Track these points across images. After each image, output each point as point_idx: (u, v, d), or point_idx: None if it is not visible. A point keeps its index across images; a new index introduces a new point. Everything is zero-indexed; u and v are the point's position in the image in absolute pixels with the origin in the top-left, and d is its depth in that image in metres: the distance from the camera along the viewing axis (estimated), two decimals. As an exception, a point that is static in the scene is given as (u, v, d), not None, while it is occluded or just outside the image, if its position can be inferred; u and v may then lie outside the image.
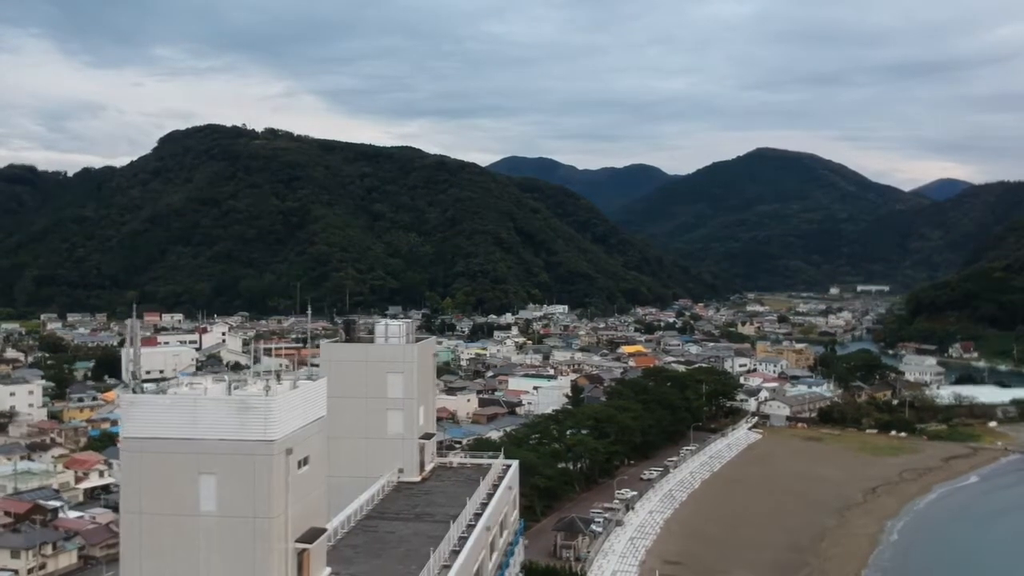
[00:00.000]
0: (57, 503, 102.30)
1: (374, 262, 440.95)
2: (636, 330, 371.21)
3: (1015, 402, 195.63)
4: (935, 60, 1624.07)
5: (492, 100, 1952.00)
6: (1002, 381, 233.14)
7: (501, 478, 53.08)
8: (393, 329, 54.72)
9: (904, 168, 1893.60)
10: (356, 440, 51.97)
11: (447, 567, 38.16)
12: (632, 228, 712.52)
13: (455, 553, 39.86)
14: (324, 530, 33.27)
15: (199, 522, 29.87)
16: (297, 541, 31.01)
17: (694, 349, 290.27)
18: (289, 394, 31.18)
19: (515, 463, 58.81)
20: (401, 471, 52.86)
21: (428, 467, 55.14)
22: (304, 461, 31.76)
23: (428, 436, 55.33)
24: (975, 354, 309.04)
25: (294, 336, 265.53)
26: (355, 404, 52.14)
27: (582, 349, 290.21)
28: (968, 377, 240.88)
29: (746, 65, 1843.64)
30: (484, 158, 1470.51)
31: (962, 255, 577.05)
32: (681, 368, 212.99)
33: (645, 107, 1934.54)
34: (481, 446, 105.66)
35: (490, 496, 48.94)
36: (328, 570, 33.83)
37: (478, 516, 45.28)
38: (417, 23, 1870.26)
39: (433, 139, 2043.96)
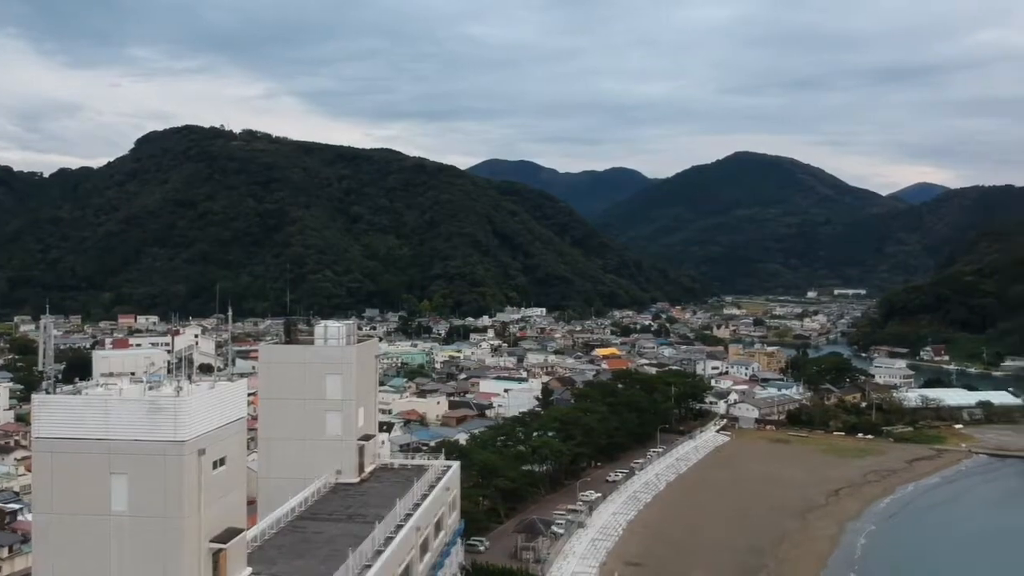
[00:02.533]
0: (17, 505, 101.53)
1: (351, 264, 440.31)
2: (612, 333, 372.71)
3: (981, 405, 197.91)
4: (914, 65, 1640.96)
5: (473, 103, 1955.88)
6: (971, 384, 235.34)
7: (439, 479, 53.26)
8: (332, 331, 54.84)
9: (882, 172, 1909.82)
10: (294, 442, 52.10)
11: (368, 567, 38.30)
12: (612, 231, 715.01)
13: (379, 553, 40.01)
14: (241, 530, 33.38)
15: (111, 522, 29.98)
16: (212, 541, 31.13)
17: (668, 352, 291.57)
18: (203, 395, 31.34)
19: (455, 465, 58.99)
20: (339, 473, 52.94)
21: (368, 469, 55.23)
22: (220, 462, 31.91)
23: (367, 438, 55.44)
24: (946, 357, 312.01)
25: (270, 339, 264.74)
26: (294, 406, 52.30)
27: (557, 352, 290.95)
28: (937, 380, 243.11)
29: (726, 69, 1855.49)
30: (466, 161, 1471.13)
31: (937, 259, 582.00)
32: (652, 371, 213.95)
33: (626, 110, 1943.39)
34: (447, 449, 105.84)
35: (424, 497, 49.11)
36: (248, 570, 33.96)
37: (409, 516, 45.45)
38: (397, 25, 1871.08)
39: (414, 141, 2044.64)
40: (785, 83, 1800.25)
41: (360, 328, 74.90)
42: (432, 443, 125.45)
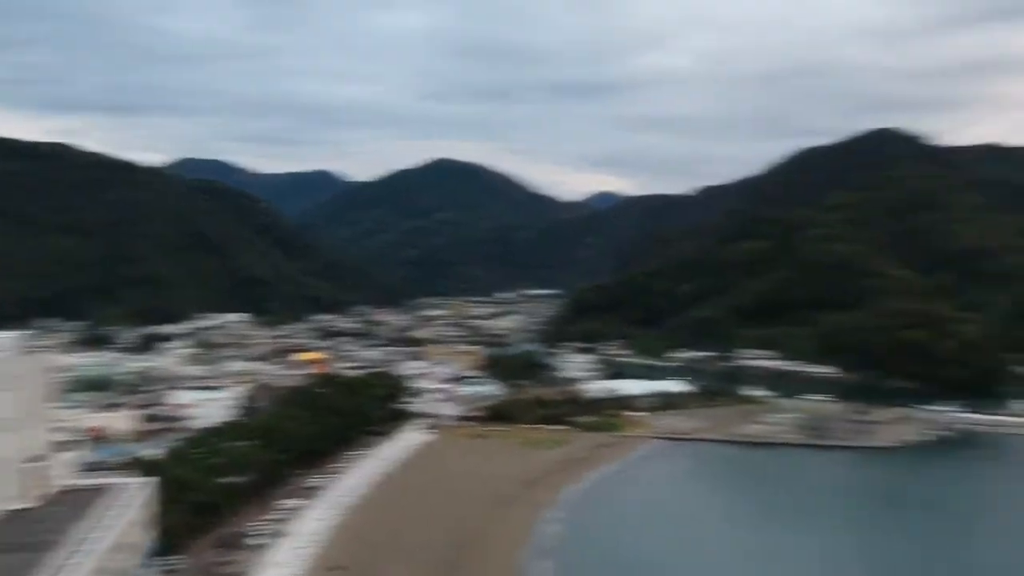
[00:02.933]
0: None
1: (24, 269, 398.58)
2: (315, 337, 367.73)
3: (656, 394, 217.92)
4: (593, 81, 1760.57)
5: (164, 98, 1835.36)
6: (647, 375, 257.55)
7: (131, 498, 50.01)
8: (-2, 343, 49.79)
9: (569, 180, 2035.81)
10: (-47, 466, 46.63)
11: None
12: (314, 234, 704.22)
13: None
14: None
15: None
16: None
17: (371, 354, 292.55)
18: None
19: (151, 481, 55.70)
20: (12, 498, 48.06)
21: (46, 492, 50.62)
22: None
23: (43, 458, 50.86)
24: (626, 351, 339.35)
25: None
26: (-48, 427, 46.79)
27: (257, 358, 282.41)
28: (619, 372, 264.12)
29: (423, 76, 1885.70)
30: (156, 158, 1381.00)
31: (617, 262, 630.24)
32: (356, 373, 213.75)
33: (325, 112, 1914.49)
34: (137, 465, 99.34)
35: (110, 518, 45.90)
36: None
37: (92, 540, 42.32)
38: (76, 11, 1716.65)
39: (96, 136, 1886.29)
40: (479, 92, 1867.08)
41: (34, 339, 68.30)
42: (120, 460, 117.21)
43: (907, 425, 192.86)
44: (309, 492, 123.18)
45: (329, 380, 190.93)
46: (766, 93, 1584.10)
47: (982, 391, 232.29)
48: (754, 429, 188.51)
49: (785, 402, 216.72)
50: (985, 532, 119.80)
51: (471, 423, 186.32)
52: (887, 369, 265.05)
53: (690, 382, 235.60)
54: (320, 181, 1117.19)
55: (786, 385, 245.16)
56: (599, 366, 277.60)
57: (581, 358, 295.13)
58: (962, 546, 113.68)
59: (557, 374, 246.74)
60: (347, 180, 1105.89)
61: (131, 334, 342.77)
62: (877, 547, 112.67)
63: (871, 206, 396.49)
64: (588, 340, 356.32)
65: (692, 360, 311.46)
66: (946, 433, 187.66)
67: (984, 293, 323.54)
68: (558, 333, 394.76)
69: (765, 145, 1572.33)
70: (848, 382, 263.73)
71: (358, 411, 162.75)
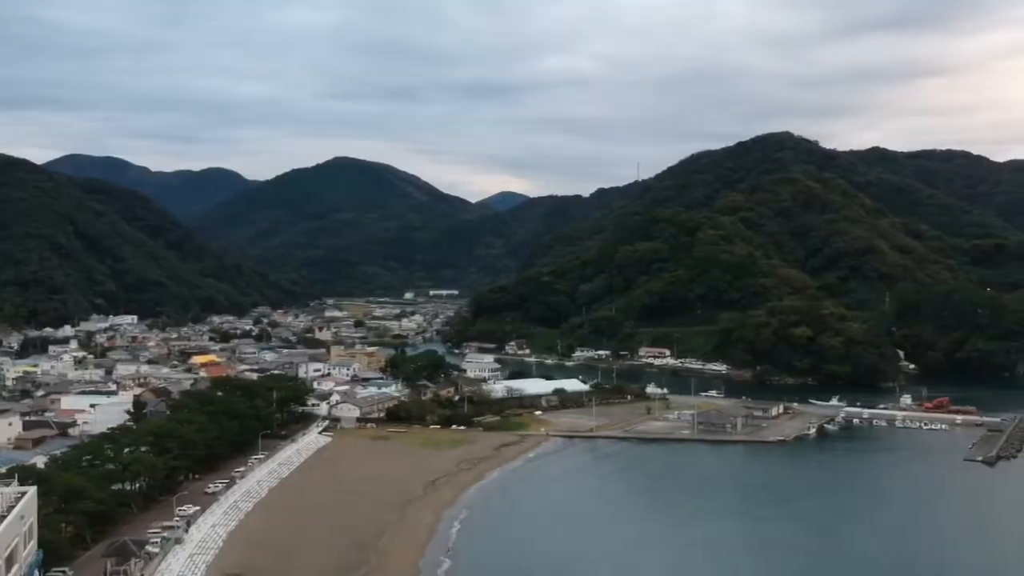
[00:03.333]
0: None
1: None
2: (212, 339, 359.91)
3: (557, 392, 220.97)
4: (497, 83, 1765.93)
5: (48, 92, 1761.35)
6: (548, 374, 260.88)
7: (11, 508, 48.57)
8: None
9: (472, 181, 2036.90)
10: None
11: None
12: (209, 234, 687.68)
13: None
14: None
15: None
16: None
17: (270, 356, 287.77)
18: None
19: (31, 491, 54.13)
20: None
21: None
22: None
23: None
24: (528, 350, 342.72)
25: None
26: None
27: (151, 362, 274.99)
28: (521, 372, 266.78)
29: (324, 74, 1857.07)
30: (41, 155, 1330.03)
31: (519, 262, 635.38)
32: (253, 376, 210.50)
33: (222, 109, 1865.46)
34: (21, 474, 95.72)
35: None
36: None
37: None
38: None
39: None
40: (383, 92, 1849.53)
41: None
42: (3, 469, 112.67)
43: (797, 419, 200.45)
44: (206, 497, 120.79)
45: (226, 383, 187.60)
46: (665, 97, 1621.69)
47: (865, 386, 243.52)
48: (651, 426, 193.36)
49: (681, 399, 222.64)
50: (865, 517, 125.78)
51: (373, 424, 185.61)
52: (777, 365, 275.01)
53: (590, 380, 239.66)
54: (218, 180, 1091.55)
55: (681, 382, 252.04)
56: (500, 366, 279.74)
57: (483, 358, 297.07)
58: (845, 530, 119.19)
59: (459, 374, 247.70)
60: (246, 179, 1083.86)
61: (15, 338, 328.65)
62: (765, 535, 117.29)
63: (763, 208, 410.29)
64: (490, 340, 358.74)
65: (592, 358, 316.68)
66: (832, 426, 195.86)
67: (867, 291, 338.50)
68: (460, 333, 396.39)
69: (664, 148, 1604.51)
70: (741, 378, 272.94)
71: (257, 414, 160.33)
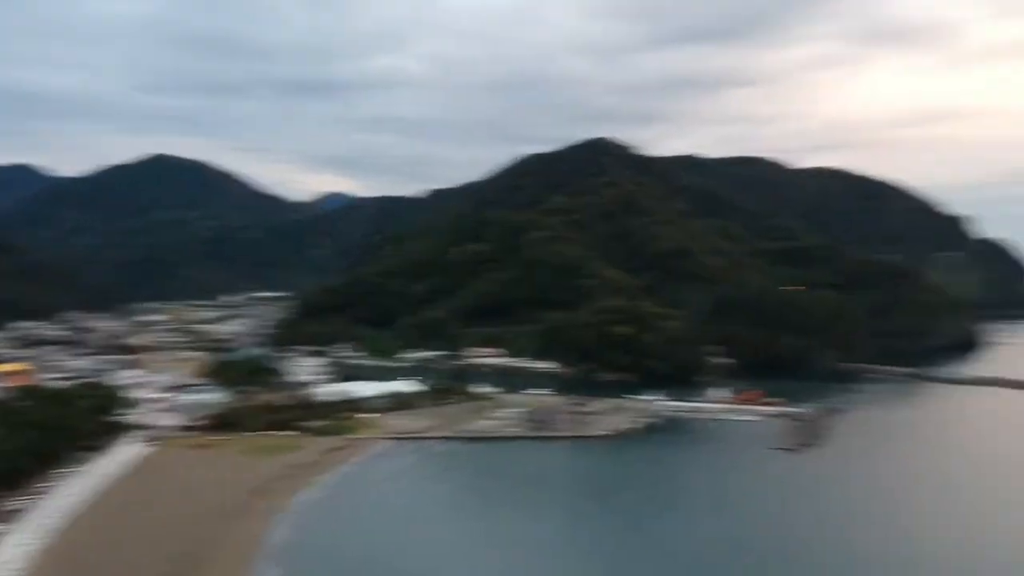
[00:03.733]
0: None
1: None
2: (15, 347, 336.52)
3: (387, 394, 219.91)
4: (324, 81, 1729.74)
5: None
6: (380, 376, 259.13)
7: None
8: None
9: (299, 180, 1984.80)
10: None
11: None
12: (12, 233, 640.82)
13: None
14: None
15: None
16: None
17: (81, 363, 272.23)
18: None
19: None
20: None
21: None
22: None
23: None
24: (359, 352, 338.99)
25: None
26: None
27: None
28: (350, 375, 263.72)
29: (141, 67, 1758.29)
30: None
31: (348, 262, 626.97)
32: (63, 385, 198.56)
33: (27, 101, 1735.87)
34: None
35: None
36: None
37: None
38: None
39: None
40: (203, 87, 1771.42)
41: None
42: None
43: (619, 415, 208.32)
44: (8, 516, 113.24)
45: (31, 392, 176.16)
46: (493, 100, 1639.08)
47: (683, 381, 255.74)
48: (481, 425, 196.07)
49: (511, 397, 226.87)
50: (684, 507, 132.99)
51: (195, 433, 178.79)
52: (601, 363, 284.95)
53: (421, 382, 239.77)
54: (19, 176, 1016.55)
55: (511, 381, 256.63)
56: (330, 369, 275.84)
57: (311, 361, 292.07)
58: (665, 520, 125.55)
59: (286, 379, 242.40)
60: (52, 175, 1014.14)
61: None
62: (587, 528, 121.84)
63: (586, 210, 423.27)
64: (318, 343, 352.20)
65: (423, 360, 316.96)
66: (653, 420, 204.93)
67: (683, 291, 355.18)
68: (287, 336, 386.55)
69: (491, 150, 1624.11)
70: (567, 376, 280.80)
71: (65, 425, 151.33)
